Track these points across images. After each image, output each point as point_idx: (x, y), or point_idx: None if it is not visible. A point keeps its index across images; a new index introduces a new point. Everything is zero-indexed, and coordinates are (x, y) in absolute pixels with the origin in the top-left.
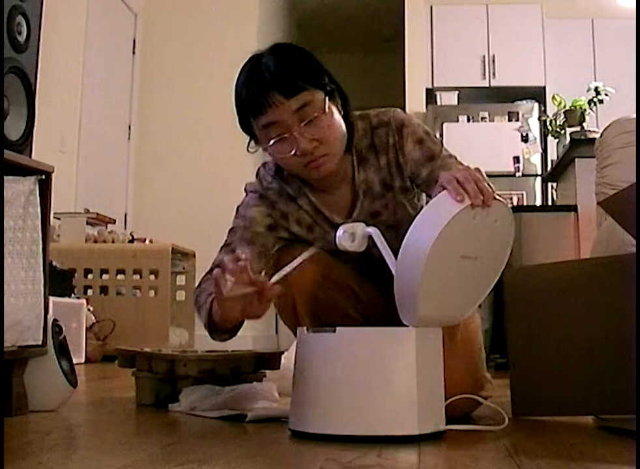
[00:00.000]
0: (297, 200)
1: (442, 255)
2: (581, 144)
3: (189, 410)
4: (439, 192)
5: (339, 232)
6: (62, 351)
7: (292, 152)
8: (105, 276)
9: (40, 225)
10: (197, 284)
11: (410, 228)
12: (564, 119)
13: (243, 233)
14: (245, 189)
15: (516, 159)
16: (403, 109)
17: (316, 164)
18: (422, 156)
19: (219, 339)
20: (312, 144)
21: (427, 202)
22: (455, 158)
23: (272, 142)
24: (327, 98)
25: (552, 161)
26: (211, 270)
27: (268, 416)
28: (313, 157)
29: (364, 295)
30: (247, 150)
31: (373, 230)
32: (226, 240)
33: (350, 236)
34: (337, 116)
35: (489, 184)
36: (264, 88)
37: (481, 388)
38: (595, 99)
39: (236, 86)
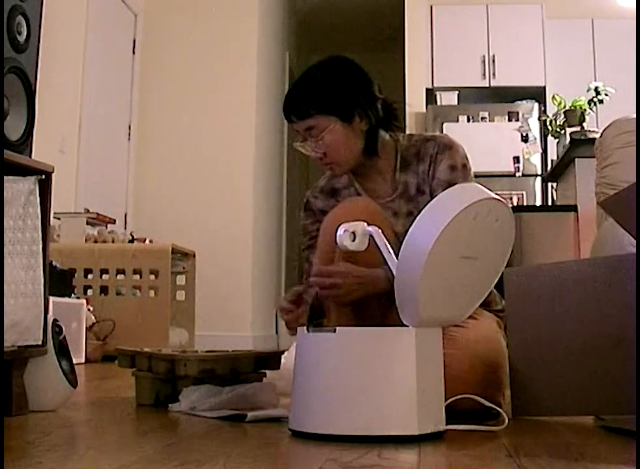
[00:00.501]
0: (343, 190)
1: (443, 255)
2: (581, 144)
3: (189, 410)
4: None
5: (340, 231)
6: (62, 351)
7: (309, 154)
8: (105, 276)
9: (40, 225)
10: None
11: (411, 228)
12: (564, 119)
13: (307, 243)
14: None
15: (516, 159)
16: (403, 108)
17: (328, 167)
18: (445, 180)
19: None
20: (318, 155)
21: None
22: None
23: (298, 144)
24: (341, 120)
25: (552, 161)
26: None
27: (268, 416)
28: (323, 163)
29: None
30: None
31: (373, 230)
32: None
33: (351, 234)
34: (341, 136)
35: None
36: (288, 106)
37: (499, 390)
38: (595, 99)
39: None
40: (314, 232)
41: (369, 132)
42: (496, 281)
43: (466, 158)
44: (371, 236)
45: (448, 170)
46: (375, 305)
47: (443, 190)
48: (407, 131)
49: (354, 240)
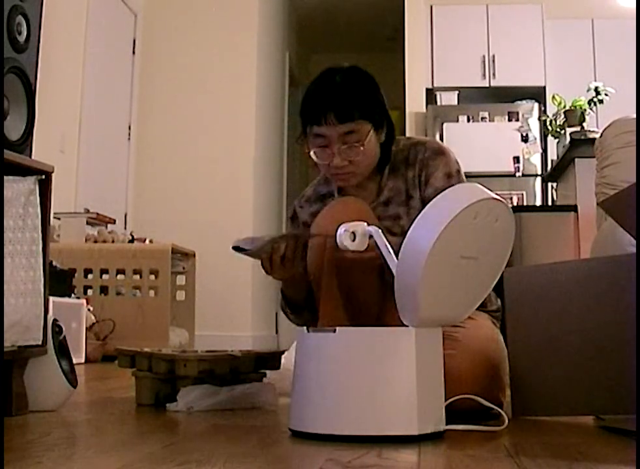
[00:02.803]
0: (327, 197)
1: (443, 255)
2: (581, 144)
3: (186, 409)
4: None
5: (340, 230)
6: (62, 351)
7: (327, 162)
8: (105, 276)
9: (40, 225)
10: None
11: (411, 228)
12: (564, 119)
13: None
14: None
15: (516, 159)
16: (403, 109)
17: (341, 177)
18: (443, 188)
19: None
20: (344, 163)
21: None
22: None
23: (314, 150)
24: (373, 129)
25: (552, 161)
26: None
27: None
28: (342, 171)
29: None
30: (297, 141)
31: (373, 229)
32: None
33: (351, 234)
34: (374, 145)
35: None
36: (324, 105)
37: (501, 389)
38: (595, 99)
39: (307, 89)
40: None
41: (385, 143)
42: (496, 281)
43: (458, 163)
44: (371, 235)
45: (444, 178)
46: (369, 306)
47: None
48: (407, 132)
49: (354, 240)
